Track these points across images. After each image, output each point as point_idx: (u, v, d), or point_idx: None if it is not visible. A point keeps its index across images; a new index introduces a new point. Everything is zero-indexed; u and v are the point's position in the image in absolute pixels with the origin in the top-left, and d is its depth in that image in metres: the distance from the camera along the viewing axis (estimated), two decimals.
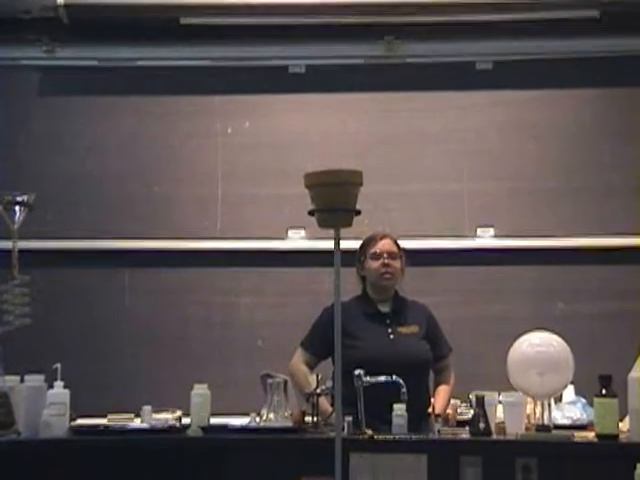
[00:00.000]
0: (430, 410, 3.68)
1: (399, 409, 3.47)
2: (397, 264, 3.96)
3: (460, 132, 5.01)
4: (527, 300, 4.86)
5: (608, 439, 3.29)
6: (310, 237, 4.86)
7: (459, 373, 4.04)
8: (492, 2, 4.80)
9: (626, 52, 4.92)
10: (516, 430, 3.42)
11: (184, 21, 4.90)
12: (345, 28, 4.90)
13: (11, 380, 3.49)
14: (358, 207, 2.64)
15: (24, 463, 3.34)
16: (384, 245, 3.98)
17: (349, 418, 3.44)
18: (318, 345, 3.88)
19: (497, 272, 4.90)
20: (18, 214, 3.77)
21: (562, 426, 3.59)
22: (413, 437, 3.44)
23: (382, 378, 3.55)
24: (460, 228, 4.93)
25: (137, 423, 3.72)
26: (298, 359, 3.96)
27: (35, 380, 3.49)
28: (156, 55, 5.03)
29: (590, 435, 3.42)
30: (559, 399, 3.77)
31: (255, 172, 4.98)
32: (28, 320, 3.71)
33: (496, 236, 4.93)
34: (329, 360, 3.74)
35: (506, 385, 3.53)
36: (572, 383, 3.66)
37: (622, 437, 3.34)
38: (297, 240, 4.92)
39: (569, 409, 3.72)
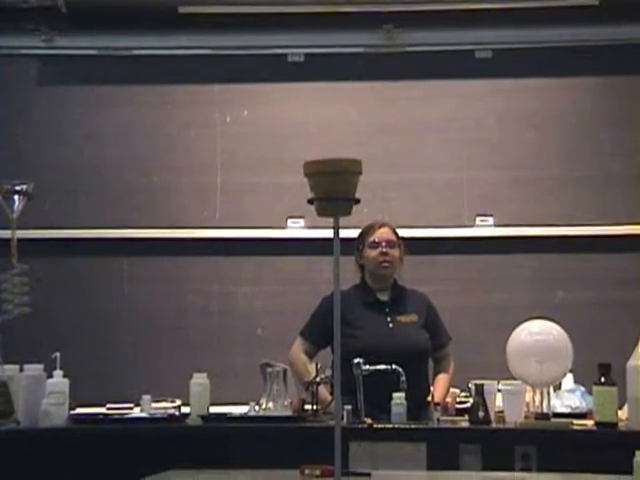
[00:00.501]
0: (429, 399, 3.68)
1: (398, 398, 3.48)
2: (396, 253, 3.96)
3: (459, 121, 5.00)
4: (526, 289, 4.86)
5: (607, 427, 3.30)
6: (309, 226, 4.85)
7: (458, 362, 4.05)
8: None
9: (626, 40, 4.90)
10: (515, 418, 3.43)
11: (182, 10, 4.88)
12: (344, 16, 4.89)
13: (10, 369, 3.50)
14: (357, 196, 2.63)
15: (23, 452, 3.35)
16: (382, 234, 3.97)
17: (348, 407, 3.44)
18: (317, 334, 3.88)
19: (496, 261, 4.90)
20: (17, 203, 3.77)
21: (561, 414, 3.59)
22: (412, 426, 3.46)
23: (381, 367, 3.56)
24: (459, 217, 4.93)
25: (136, 412, 3.73)
26: (297, 348, 3.96)
27: (34, 369, 3.49)
28: (155, 44, 5.02)
29: (589, 423, 3.43)
30: (558, 387, 3.77)
31: (254, 161, 4.98)
32: (27, 309, 3.72)
33: (495, 225, 4.92)
34: (328, 349, 3.75)
35: (505, 373, 3.54)
36: (571, 371, 3.67)
37: (621, 425, 3.35)
38: (296, 229, 4.92)
39: (568, 397, 3.72)
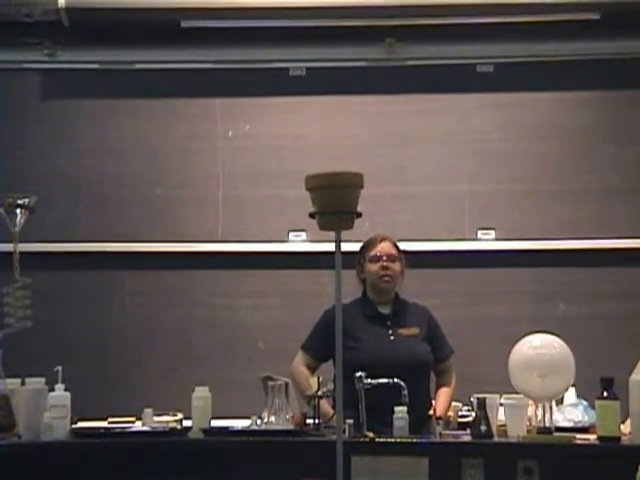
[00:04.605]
0: (431, 412, 3.68)
1: (400, 411, 3.47)
2: (396, 267, 3.96)
3: (461, 134, 5.00)
4: (528, 302, 4.86)
5: (610, 441, 3.29)
6: (311, 239, 4.86)
7: (460, 375, 4.04)
8: (493, 4, 4.80)
9: (627, 54, 4.92)
10: (517, 432, 3.42)
11: (185, 24, 4.90)
12: (346, 30, 4.90)
13: (12, 383, 3.49)
14: (359, 209, 2.64)
15: (25, 466, 3.34)
16: (383, 248, 3.98)
17: (350, 420, 3.44)
18: (319, 348, 3.88)
19: (498, 274, 4.90)
20: (19, 217, 3.77)
21: (563, 428, 3.58)
22: (414, 440, 3.44)
23: (383, 380, 3.55)
24: (461, 230, 4.93)
25: (138, 426, 3.72)
26: (299, 362, 3.96)
27: (36, 383, 3.49)
28: (157, 58, 5.04)
29: (592, 437, 3.42)
30: (560, 401, 3.76)
31: (256, 175, 4.98)
32: (29, 323, 3.71)
33: (497, 238, 4.92)
34: (330, 362, 3.74)
35: (507, 387, 3.53)
36: (573, 385, 3.66)
37: (624, 439, 3.33)
38: (298, 242, 4.92)
39: (570, 411, 3.71)
